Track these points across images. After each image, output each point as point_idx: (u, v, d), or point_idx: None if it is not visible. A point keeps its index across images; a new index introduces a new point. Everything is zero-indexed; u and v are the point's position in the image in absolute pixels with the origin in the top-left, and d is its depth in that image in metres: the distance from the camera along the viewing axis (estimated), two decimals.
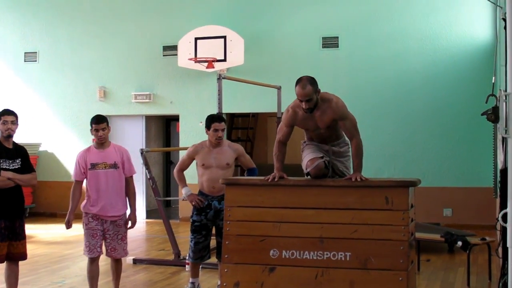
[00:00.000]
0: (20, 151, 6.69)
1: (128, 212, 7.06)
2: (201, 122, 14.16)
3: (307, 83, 5.54)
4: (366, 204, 5.47)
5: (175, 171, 7.48)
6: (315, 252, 5.44)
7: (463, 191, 13.01)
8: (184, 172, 7.45)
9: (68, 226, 6.91)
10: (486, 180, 12.31)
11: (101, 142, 6.90)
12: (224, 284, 5.70)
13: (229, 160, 7.24)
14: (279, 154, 5.82)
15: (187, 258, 7.55)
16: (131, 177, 7.11)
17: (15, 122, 6.58)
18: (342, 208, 5.50)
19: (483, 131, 12.30)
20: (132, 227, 7.07)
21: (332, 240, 5.47)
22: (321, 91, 5.72)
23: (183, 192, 7.35)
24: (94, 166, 6.85)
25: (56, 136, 15.43)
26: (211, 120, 7.19)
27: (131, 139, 14.91)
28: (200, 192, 7.32)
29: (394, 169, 13.10)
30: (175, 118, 15.55)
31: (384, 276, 5.36)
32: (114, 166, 6.90)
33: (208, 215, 7.24)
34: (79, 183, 6.96)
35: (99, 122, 6.86)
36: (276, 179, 5.58)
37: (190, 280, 7.45)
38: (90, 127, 6.91)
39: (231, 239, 5.72)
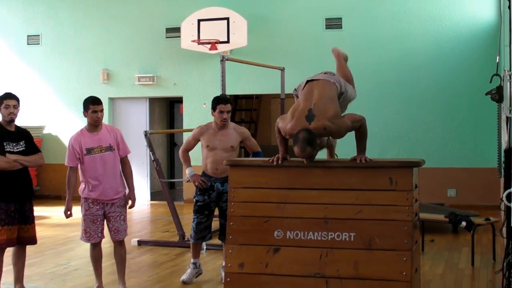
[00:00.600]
0: (23, 134, 6.70)
1: (127, 192, 6.94)
2: (204, 104, 14.20)
3: (306, 146, 5.19)
4: (370, 185, 5.47)
5: (180, 151, 7.48)
6: (319, 233, 5.44)
7: (467, 171, 13.01)
8: (190, 153, 7.44)
9: (68, 215, 6.80)
10: (490, 160, 12.31)
11: (97, 125, 6.72)
12: (229, 265, 5.71)
13: (234, 143, 7.23)
14: (282, 139, 5.71)
15: (189, 238, 7.56)
16: (126, 156, 6.96)
17: (17, 106, 6.57)
18: (346, 189, 5.50)
19: (487, 111, 12.29)
20: (132, 206, 6.96)
21: (336, 221, 5.47)
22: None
23: (186, 172, 7.34)
24: (90, 151, 6.68)
25: (60, 119, 15.44)
26: (216, 102, 7.15)
27: (135, 122, 14.92)
28: (203, 173, 7.30)
29: (398, 150, 13.09)
30: (179, 100, 15.55)
31: (388, 256, 5.37)
32: (110, 148, 6.76)
33: (211, 196, 7.24)
34: (74, 169, 6.75)
35: (98, 103, 6.70)
36: (280, 161, 5.56)
37: (192, 260, 7.46)
38: (84, 109, 6.69)
39: (235, 220, 5.73)
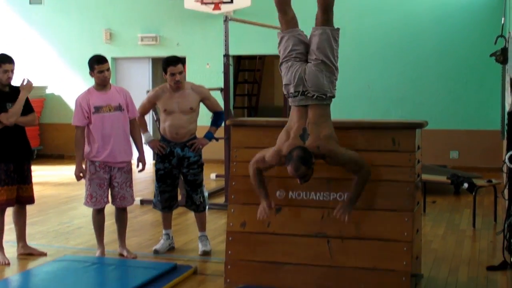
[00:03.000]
0: (17, 93, 6.62)
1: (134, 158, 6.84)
2: (208, 64, 14.14)
3: (301, 165, 4.92)
4: (373, 146, 5.47)
5: None
6: (321, 193, 5.46)
7: (470, 133, 12.99)
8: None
9: (80, 178, 6.67)
10: (493, 122, 12.29)
11: (105, 84, 6.61)
12: (231, 224, 5.74)
13: (193, 104, 6.86)
14: (259, 182, 5.35)
15: (153, 206, 7.26)
16: (135, 119, 6.82)
17: (13, 69, 6.56)
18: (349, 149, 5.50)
19: (491, 73, 12.24)
20: (143, 169, 6.89)
21: (338, 181, 5.48)
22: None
23: (143, 138, 7.02)
24: (98, 109, 6.53)
25: (62, 79, 15.40)
26: (166, 63, 6.74)
27: (138, 82, 14.87)
28: (162, 138, 6.97)
29: (402, 112, 13.04)
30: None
31: (389, 216, 5.39)
32: (119, 108, 6.61)
33: (172, 162, 6.90)
34: (81, 129, 6.57)
35: (103, 62, 6.56)
36: (267, 215, 5.34)
37: (163, 231, 7.18)
38: (90, 69, 6.58)
39: (237, 180, 5.74)
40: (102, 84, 6.60)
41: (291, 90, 5.16)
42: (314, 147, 4.99)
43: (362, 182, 5.12)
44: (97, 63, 6.55)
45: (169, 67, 6.71)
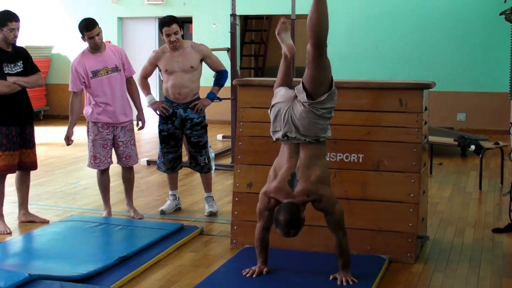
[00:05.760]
0: (20, 53, 6.46)
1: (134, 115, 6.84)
2: (214, 24, 14.05)
3: (290, 230, 4.62)
4: (380, 106, 5.45)
5: (138, 78, 6.99)
6: (328, 154, 5.44)
7: (478, 95, 12.92)
8: None
9: (69, 142, 6.69)
10: (502, 84, 12.19)
11: (97, 48, 6.53)
12: (237, 184, 5.75)
13: (194, 62, 6.77)
14: (261, 242, 5.02)
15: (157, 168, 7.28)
16: (132, 77, 6.79)
17: (19, 28, 6.35)
18: (356, 110, 5.49)
19: (500, 34, 12.10)
20: (142, 127, 6.88)
21: (345, 142, 5.47)
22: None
23: (146, 100, 6.96)
24: (95, 73, 6.48)
25: (68, 39, 15.31)
26: (160, 24, 6.69)
27: (144, 42, 14.79)
28: (165, 99, 6.93)
29: (409, 73, 12.95)
30: (188, 20, 15.36)
31: (396, 178, 5.39)
32: (116, 69, 6.57)
33: (175, 123, 6.87)
34: (77, 94, 6.57)
35: (91, 28, 6.41)
36: (255, 275, 4.97)
37: (170, 192, 7.19)
38: (81, 35, 6.46)
39: (244, 140, 5.73)
40: (95, 48, 6.53)
41: (279, 136, 4.79)
42: (304, 194, 4.65)
43: (344, 246, 4.81)
44: (86, 29, 6.42)
45: (163, 27, 6.66)
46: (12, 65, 6.34)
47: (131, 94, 6.84)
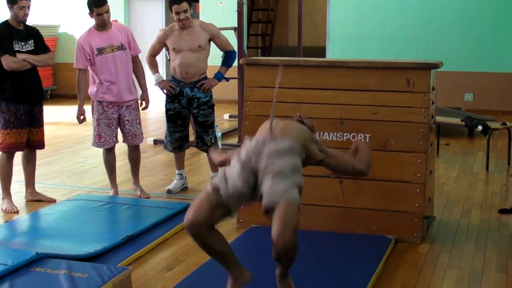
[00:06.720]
0: (31, 32, 6.46)
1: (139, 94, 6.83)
2: (221, 3, 13.99)
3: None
4: (387, 86, 5.43)
5: (146, 56, 6.99)
6: (335, 133, 5.44)
7: (485, 76, 12.85)
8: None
9: (81, 120, 6.66)
10: (509, 65, 12.16)
11: (105, 26, 6.52)
12: None
13: (202, 42, 6.74)
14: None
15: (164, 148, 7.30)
16: (137, 56, 6.77)
17: (30, 6, 6.30)
18: (363, 90, 5.47)
19: (508, 15, 12.04)
20: (146, 107, 6.89)
21: (352, 122, 5.47)
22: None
23: (154, 78, 6.94)
24: (101, 51, 6.48)
25: (75, 18, 15.28)
26: (170, 2, 6.64)
27: (151, 21, 14.75)
28: (172, 78, 6.91)
29: (416, 53, 12.89)
30: None
31: (403, 158, 5.38)
32: (122, 47, 6.55)
33: (182, 102, 6.85)
34: (84, 71, 6.57)
35: (102, 4, 6.40)
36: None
37: (176, 171, 7.19)
38: (89, 11, 6.47)
39: (250, 120, 5.72)
40: (102, 25, 6.52)
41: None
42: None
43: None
44: (96, 5, 6.41)
45: (173, 5, 6.62)
46: (22, 43, 6.33)
47: (136, 73, 6.82)
